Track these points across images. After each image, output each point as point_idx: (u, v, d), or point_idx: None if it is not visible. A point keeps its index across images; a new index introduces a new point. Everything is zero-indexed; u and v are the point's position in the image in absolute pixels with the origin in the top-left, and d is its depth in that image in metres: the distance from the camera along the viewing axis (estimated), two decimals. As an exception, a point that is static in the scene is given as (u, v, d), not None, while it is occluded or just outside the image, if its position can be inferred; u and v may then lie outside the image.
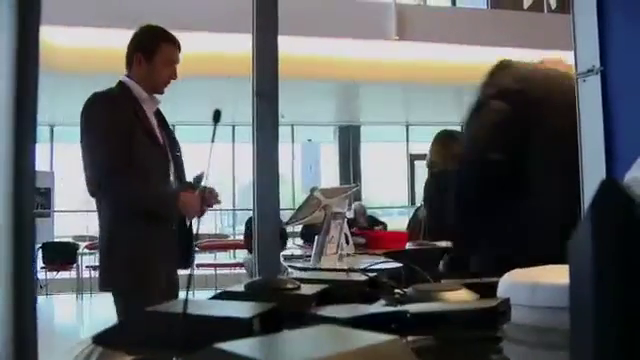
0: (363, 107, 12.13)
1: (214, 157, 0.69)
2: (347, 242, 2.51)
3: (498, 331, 0.70)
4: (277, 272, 1.95)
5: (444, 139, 3.72)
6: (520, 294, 0.77)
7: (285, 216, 2.79)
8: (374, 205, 11.53)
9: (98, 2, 7.59)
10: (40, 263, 7.91)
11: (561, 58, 2.13)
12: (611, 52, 1.64)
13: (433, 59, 9.17)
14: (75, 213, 10.65)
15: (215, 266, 8.68)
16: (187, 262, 2.24)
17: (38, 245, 7.54)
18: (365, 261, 2.15)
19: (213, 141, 0.57)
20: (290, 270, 2.28)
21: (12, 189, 0.60)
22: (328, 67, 8.86)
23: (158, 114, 2.25)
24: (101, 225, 2.15)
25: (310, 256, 2.34)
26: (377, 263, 1.52)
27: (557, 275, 0.74)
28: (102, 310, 6.57)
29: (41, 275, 7.92)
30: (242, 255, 8.26)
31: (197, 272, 8.06)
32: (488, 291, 0.83)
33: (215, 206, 2.32)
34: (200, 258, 8.66)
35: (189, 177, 2.31)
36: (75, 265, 8.53)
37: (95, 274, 6.05)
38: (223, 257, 9.76)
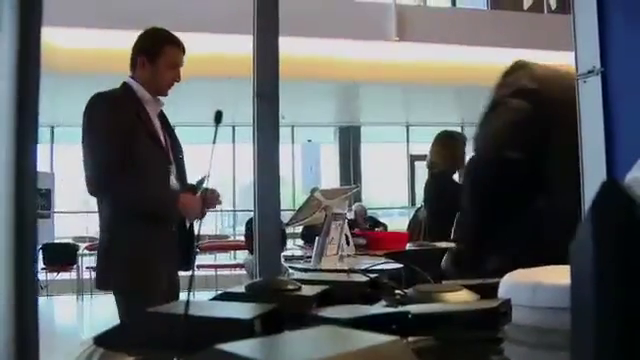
0: (363, 108, 12.13)
1: (214, 158, 0.69)
2: (347, 243, 2.51)
3: (499, 332, 0.70)
4: (278, 273, 1.95)
5: (444, 140, 3.72)
6: (521, 295, 0.77)
7: (285, 217, 2.79)
8: (374, 206, 11.53)
9: (98, 3, 7.60)
10: (40, 264, 7.90)
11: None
12: (611, 53, 1.64)
13: (433, 60, 9.17)
14: (75, 214, 10.67)
15: (215, 267, 8.68)
16: (188, 264, 2.24)
17: (38, 246, 7.53)
18: (366, 262, 2.15)
19: (215, 142, 0.57)
20: (291, 271, 2.28)
21: (14, 190, 0.60)
22: (328, 68, 8.86)
23: (161, 116, 2.25)
24: (101, 225, 2.15)
25: (310, 257, 2.34)
26: (378, 264, 1.52)
27: (558, 276, 0.74)
28: (102, 311, 6.57)
29: (41, 276, 7.92)
30: (242, 256, 8.27)
31: (197, 273, 8.05)
32: (489, 292, 0.83)
33: (216, 207, 2.32)
34: (200, 259, 8.66)
35: (191, 180, 2.32)
36: (75, 266, 8.53)
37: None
38: (223, 258, 9.76)
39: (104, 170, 2.05)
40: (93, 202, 2.19)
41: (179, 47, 2.22)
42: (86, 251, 8.34)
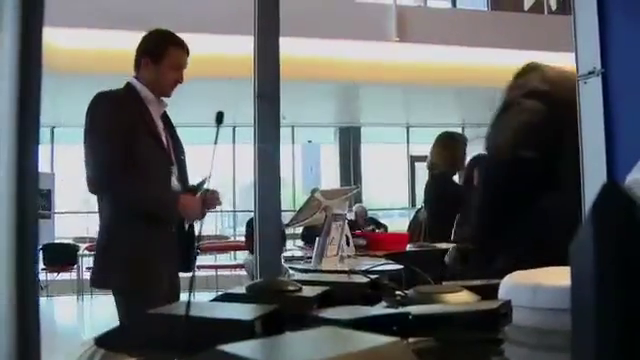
0: (363, 108, 12.13)
1: (215, 158, 0.69)
2: (348, 244, 2.51)
3: (499, 333, 0.71)
4: (278, 273, 1.96)
5: (445, 141, 3.73)
6: (521, 296, 0.77)
7: (285, 217, 2.79)
8: (374, 207, 11.53)
9: (99, 4, 7.60)
10: (41, 264, 7.90)
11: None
12: (612, 54, 1.65)
13: (433, 60, 9.17)
14: (75, 214, 10.68)
15: (215, 267, 8.68)
16: (188, 265, 2.23)
17: (39, 246, 7.52)
18: (366, 263, 2.15)
19: (216, 142, 0.57)
20: (291, 272, 2.28)
21: (15, 190, 0.60)
22: (328, 68, 8.86)
23: (165, 117, 2.26)
24: (101, 224, 2.15)
25: (311, 257, 2.34)
26: (378, 265, 1.52)
27: (558, 277, 0.74)
28: (102, 311, 6.57)
29: (42, 276, 7.92)
30: (242, 256, 8.27)
31: (197, 273, 8.05)
32: (489, 293, 0.83)
33: (216, 208, 2.32)
34: (201, 259, 8.66)
35: (191, 180, 2.32)
36: (76, 266, 8.54)
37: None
38: (223, 258, 9.76)
39: (106, 170, 2.05)
40: (93, 203, 2.20)
41: (183, 49, 2.23)
42: (86, 251, 8.34)
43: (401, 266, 1.49)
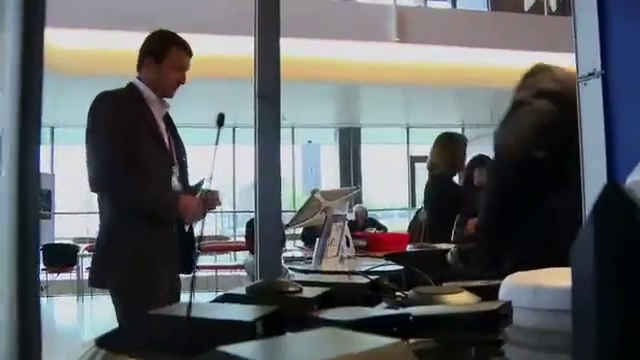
0: (363, 109, 12.13)
1: (215, 159, 0.69)
2: (348, 244, 2.51)
3: (500, 334, 0.71)
4: (278, 274, 1.96)
5: (445, 141, 3.73)
6: (522, 296, 0.77)
7: (285, 218, 2.79)
8: (374, 207, 11.53)
9: (100, 4, 7.60)
10: (41, 265, 7.89)
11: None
12: (612, 55, 1.65)
13: (433, 61, 9.18)
14: (75, 215, 10.68)
15: (215, 268, 8.68)
16: (188, 266, 2.23)
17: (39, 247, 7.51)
18: (366, 263, 2.15)
19: (217, 143, 0.57)
20: (291, 272, 2.28)
21: (16, 190, 0.61)
22: (329, 69, 8.86)
23: (167, 118, 2.26)
24: (101, 224, 2.15)
25: (311, 258, 2.34)
26: (378, 265, 1.52)
27: (559, 278, 0.74)
28: (102, 312, 6.57)
29: (42, 277, 7.92)
30: (242, 257, 8.27)
31: (197, 274, 8.05)
32: (490, 294, 0.83)
33: (216, 208, 2.33)
34: (200, 260, 8.65)
35: (191, 181, 2.32)
36: (75, 267, 8.54)
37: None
38: (223, 259, 9.76)
39: (107, 169, 2.05)
40: (93, 203, 2.20)
41: (185, 49, 2.23)
42: (86, 252, 8.34)
43: (401, 267, 1.49)
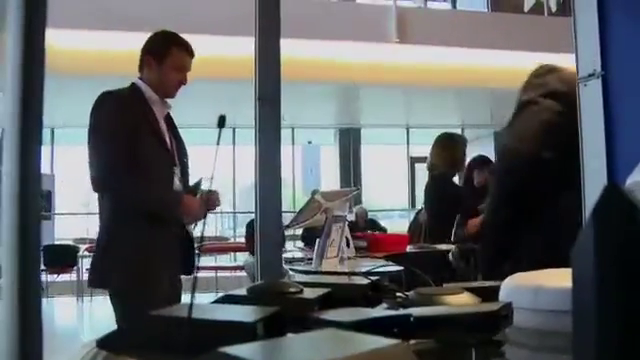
0: (363, 109, 12.14)
1: (215, 159, 0.69)
2: (348, 245, 2.51)
3: (500, 334, 0.71)
4: (279, 275, 1.96)
5: (445, 142, 3.73)
6: (522, 297, 0.77)
7: (285, 219, 2.79)
8: (374, 208, 11.53)
9: (100, 5, 7.61)
10: (41, 265, 7.89)
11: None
12: (612, 56, 1.65)
13: (433, 62, 9.18)
14: (75, 216, 10.68)
15: (215, 269, 8.68)
16: (189, 268, 2.23)
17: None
18: (366, 264, 2.15)
19: (218, 144, 0.58)
20: (291, 273, 2.28)
21: (18, 190, 0.61)
22: (329, 70, 8.87)
23: (168, 119, 2.26)
24: (101, 224, 2.15)
25: (311, 259, 2.34)
26: (379, 266, 1.52)
27: (560, 278, 0.74)
28: (102, 313, 6.56)
29: (42, 277, 7.92)
30: (242, 258, 8.27)
31: (197, 275, 8.04)
32: (490, 295, 0.83)
33: (216, 208, 2.33)
34: (200, 261, 8.65)
35: (191, 182, 2.32)
36: (75, 268, 8.53)
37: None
38: (223, 260, 9.76)
39: (110, 170, 2.05)
40: (93, 204, 2.19)
41: (187, 50, 2.23)
42: (86, 253, 8.34)
43: (401, 268, 1.49)
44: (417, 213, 4.36)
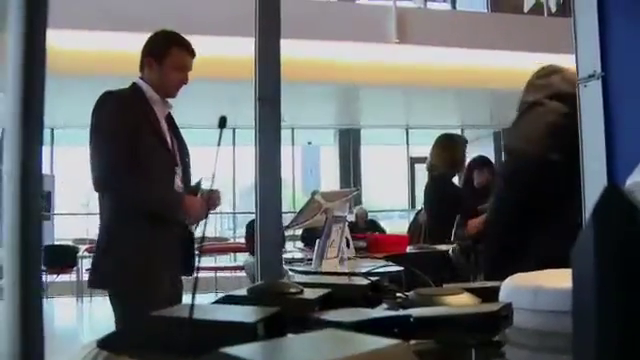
0: (363, 110, 12.13)
1: (217, 161, 0.69)
2: (348, 245, 2.51)
3: (500, 335, 0.71)
4: (279, 275, 1.96)
5: (444, 142, 3.73)
6: (522, 298, 0.77)
7: (285, 219, 2.79)
8: (374, 208, 11.53)
9: (100, 5, 7.60)
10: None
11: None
12: (612, 57, 1.65)
13: (433, 62, 9.18)
14: (75, 216, 10.68)
15: (215, 269, 8.68)
16: (190, 268, 2.23)
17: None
18: (366, 265, 2.15)
19: (219, 144, 0.58)
20: (291, 273, 2.28)
21: (19, 191, 0.61)
22: (328, 70, 8.86)
23: (170, 119, 2.26)
24: (101, 224, 2.15)
25: (311, 259, 2.34)
26: (379, 267, 1.52)
27: (560, 279, 0.74)
28: (102, 313, 6.57)
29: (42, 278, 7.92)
30: (242, 258, 8.27)
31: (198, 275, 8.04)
32: (490, 295, 0.83)
33: (217, 207, 2.33)
34: (201, 261, 8.65)
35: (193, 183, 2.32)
36: (75, 268, 8.53)
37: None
38: (223, 260, 9.76)
39: (111, 170, 2.05)
40: (93, 204, 2.19)
41: (187, 50, 2.23)
42: (86, 253, 8.34)
43: (401, 268, 1.49)
44: (417, 214, 4.36)
